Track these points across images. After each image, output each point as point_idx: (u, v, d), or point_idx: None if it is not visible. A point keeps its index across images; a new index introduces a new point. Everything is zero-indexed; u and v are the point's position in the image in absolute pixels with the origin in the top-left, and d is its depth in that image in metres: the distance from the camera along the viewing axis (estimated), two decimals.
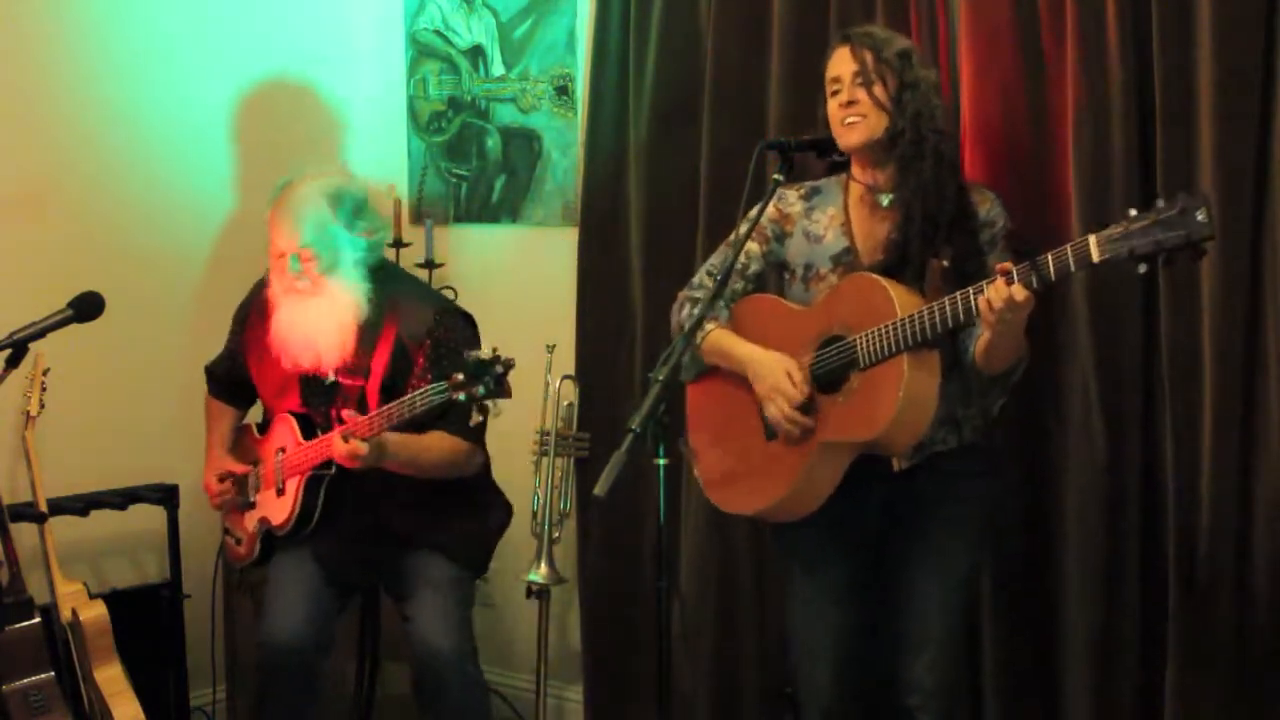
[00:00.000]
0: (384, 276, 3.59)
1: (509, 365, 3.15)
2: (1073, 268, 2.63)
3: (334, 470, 3.50)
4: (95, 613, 3.63)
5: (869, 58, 2.97)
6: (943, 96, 3.06)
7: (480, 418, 3.20)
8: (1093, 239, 2.59)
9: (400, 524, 3.57)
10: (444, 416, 3.40)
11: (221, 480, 3.72)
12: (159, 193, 4.23)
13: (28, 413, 3.68)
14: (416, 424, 3.38)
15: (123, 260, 4.10)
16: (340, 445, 3.34)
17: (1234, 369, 3.06)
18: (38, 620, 3.51)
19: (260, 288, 3.70)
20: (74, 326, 3.41)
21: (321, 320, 3.49)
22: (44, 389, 3.70)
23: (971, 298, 2.74)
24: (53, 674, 3.51)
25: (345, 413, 3.40)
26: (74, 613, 3.62)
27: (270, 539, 3.68)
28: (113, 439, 4.13)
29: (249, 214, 4.41)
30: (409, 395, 3.28)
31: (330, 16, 4.59)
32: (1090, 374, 3.24)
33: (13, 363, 3.33)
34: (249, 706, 4.03)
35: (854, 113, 2.98)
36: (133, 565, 4.19)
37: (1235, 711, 3.11)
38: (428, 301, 3.61)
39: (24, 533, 3.64)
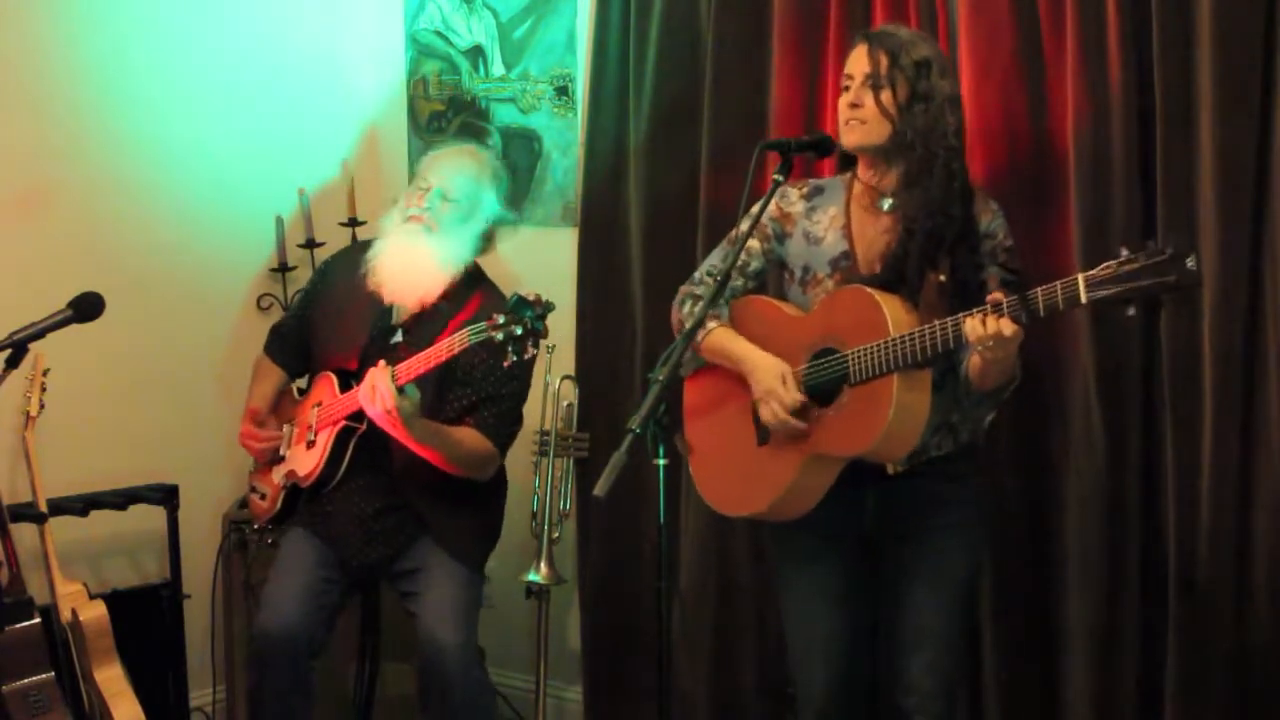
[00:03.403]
0: (475, 269, 3.71)
1: (548, 308, 3.26)
2: (1061, 307, 2.61)
3: (365, 425, 3.54)
4: (95, 613, 3.63)
5: (884, 61, 2.93)
6: (961, 111, 3.00)
7: (515, 358, 3.27)
8: (1081, 280, 2.57)
9: (418, 502, 3.60)
10: (477, 410, 3.54)
11: (258, 425, 3.76)
12: (159, 193, 4.23)
13: (28, 413, 3.69)
14: (454, 410, 3.54)
15: (123, 260, 4.10)
16: (366, 382, 3.40)
17: (1234, 369, 3.07)
18: (38, 620, 3.50)
19: (355, 250, 3.84)
20: (74, 326, 3.41)
21: (423, 258, 3.60)
22: (44, 389, 3.70)
23: (963, 325, 2.72)
24: (53, 674, 3.51)
25: (380, 363, 3.45)
26: (74, 613, 3.62)
27: (293, 497, 3.71)
28: (113, 439, 4.13)
29: (249, 214, 4.42)
30: (450, 337, 3.35)
31: (330, 16, 4.59)
32: (1090, 374, 3.24)
33: (13, 363, 3.32)
34: (246, 702, 4.02)
35: (856, 116, 2.95)
36: (133, 565, 4.19)
37: (1235, 711, 3.11)
38: (504, 301, 3.66)
39: (24, 533, 3.64)
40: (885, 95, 2.93)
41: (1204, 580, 3.12)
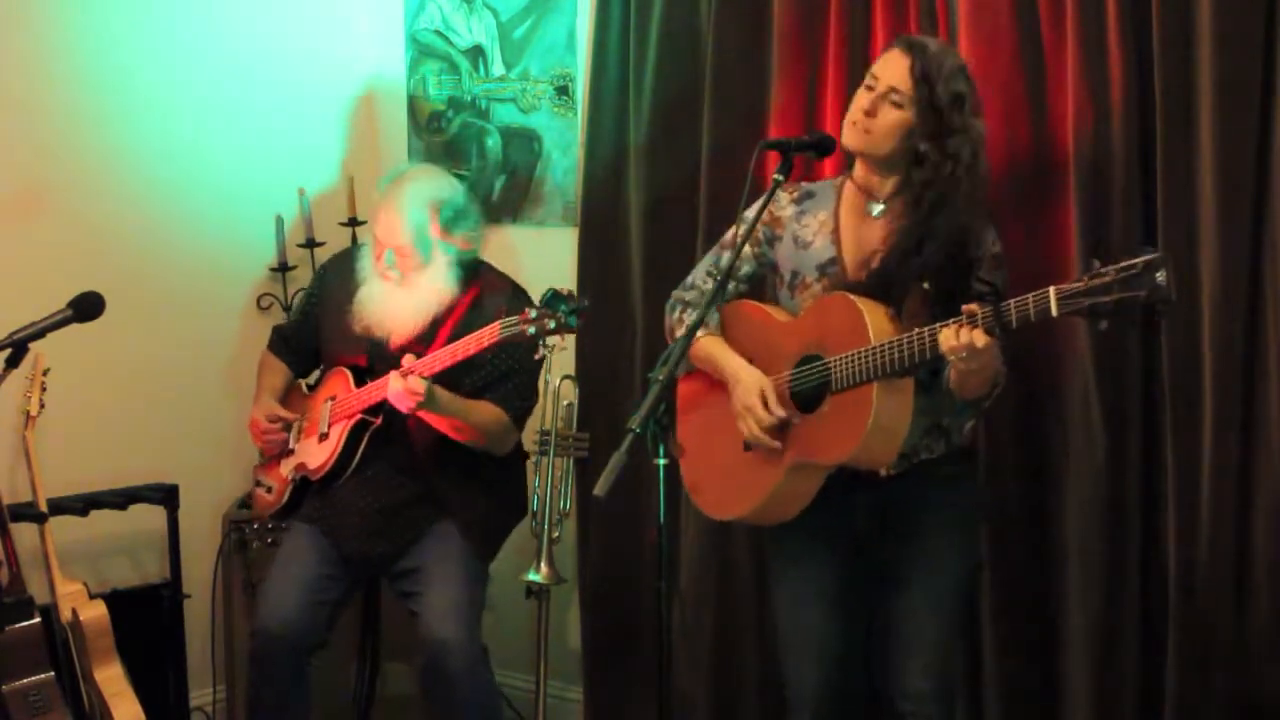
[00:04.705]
0: (473, 265, 3.73)
1: (581, 304, 3.27)
2: (1032, 318, 2.60)
3: (381, 419, 3.57)
4: (95, 612, 3.63)
5: (923, 89, 2.86)
6: (984, 152, 2.96)
7: (544, 352, 3.31)
8: (1053, 292, 2.56)
9: (439, 482, 3.62)
10: (493, 388, 3.58)
11: (270, 422, 3.78)
12: (159, 193, 4.23)
13: (28, 413, 3.69)
14: (469, 387, 3.55)
15: (122, 260, 4.10)
16: (397, 383, 3.42)
17: (1234, 369, 3.07)
18: (38, 620, 3.51)
19: (347, 254, 3.89)
20: (74, 326, 3.41)
21: (404, 308, 3.63)
22: (44, 389, 3.70)
23: (938, 335, 2.71)
24: (53, 674, 3.51)
25: (405, 357, 3.48)
26: (74, 612, 3.62)
27: (300, 490, 3.72)
28: (113, 439, 4.13)
29: (249, 214, 4.42)
30: (480, 330, 3.37)
31: (330, 16, 4.59)
32: (1090, 374, 3.24)
33: (13, 363, 3.33)
34: (246, 699, 4.03)
35: (866, 124, 2.92)
36: (133, 565, 4.19)
37: (1235, 711, 3.11)
38: (505, 283, 3.72)
39: (24, 532, 3.64)
40: (907, 116, 2.88)
41: (1204, 580, 3.12)
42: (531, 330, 3.24)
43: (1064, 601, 3.32)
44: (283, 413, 3.78)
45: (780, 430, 2.95)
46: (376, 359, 3.67)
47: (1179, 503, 3.14)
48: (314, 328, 3.86)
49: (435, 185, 3.69)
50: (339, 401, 3.67)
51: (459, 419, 3.55)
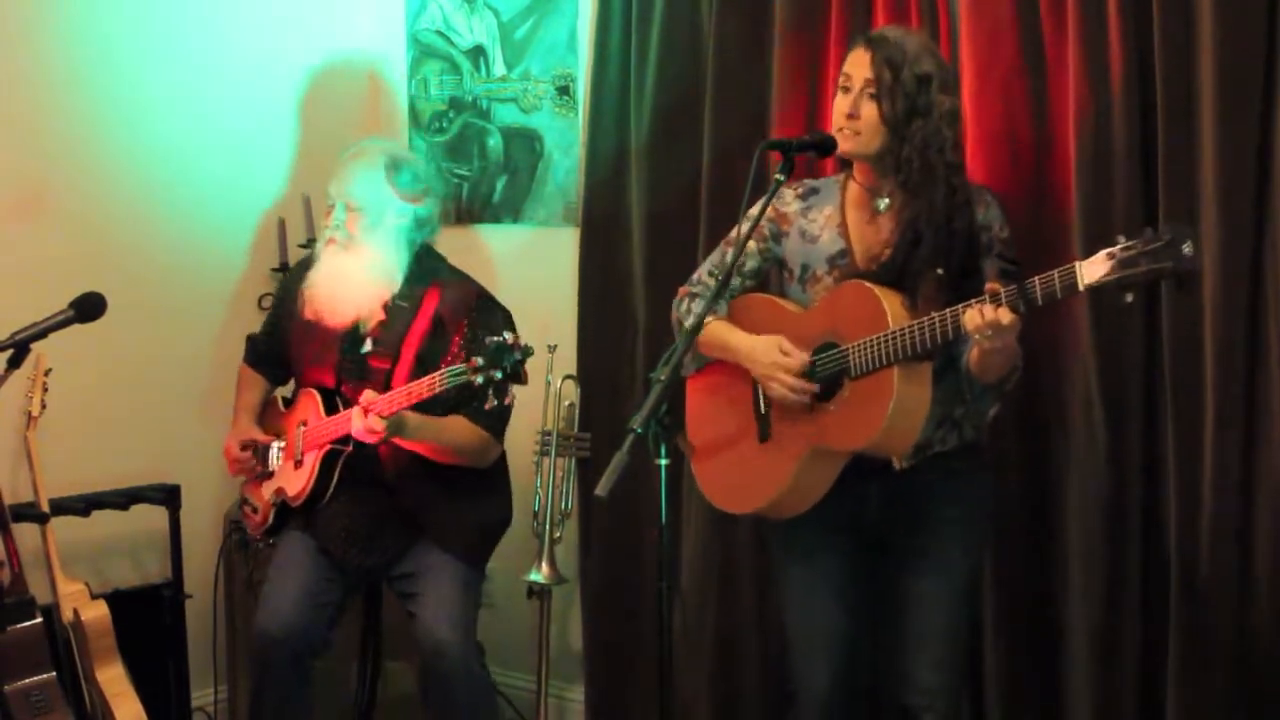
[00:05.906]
0: (428, 258, 3.68)
1: (527, 353, 3.25)
2: (1059, 294, 2.62)
3: (350, 447, 3.56)
4: (97, 613, 3.64)
5: (886, 74, 2.90)
6: (961, 126, 3.00)
7: (495, 402, 3.28)
8: (1079, 268, 2.58)
9: (414, 503, 3.60)
10: (467, 403, 3.51)
11: (244, 448, 3.77)
12: (160, 193, 4.23)
13: (29, 413, 3.69)
14: (440, 407, 3.49)
15: (123, 260, 4.11)
16: (358, 421, 3.40)
17: (1235, 367, 3.07)
18: (39, 620, 3.52)
19: (305, 263, 3.82)
20: (75, 327, 3.41)
21: (352, 276, 3.58)
22: (46, 389, 3.71)
23: (962, 316, 2.72)
24: (54, 674, 3.52)
25: (364, 394, 3.44)
26: (76, 613, 3.63)
27: (285, 510, 3.72)
28: (114, 439, 4.13)
29: (250, 214, 4.42)
30: (430, 376, 3.34)
31: (331, 17, 4.59)
32: (1092, 373, 3.24)
33: (14, 363, 3.33)
34: (247, 702, 4.04)
35: (851, 125, 2.95)
36: (134, 565, 4.20)
37: (1235, 712, 3.11)
38: (469, 285, 3.69)
39: (26, 533, 3.65)
40: (884, 107, 2.91)
41: (1205, 579, 3.12)
42: (480, 380, 3.22)
43: (1065, 601, 3.32)
44: (258, 436, 3.78)
45: (800, 416, 2.95)
46: (343, 377, 3.65)
47: (1179, 502, 3.14)
48: (283, 338, 3.83)
49: (389, 145, 3.74)
50: (310, 429, 3.66)
51: (434, 441, 3.53)
